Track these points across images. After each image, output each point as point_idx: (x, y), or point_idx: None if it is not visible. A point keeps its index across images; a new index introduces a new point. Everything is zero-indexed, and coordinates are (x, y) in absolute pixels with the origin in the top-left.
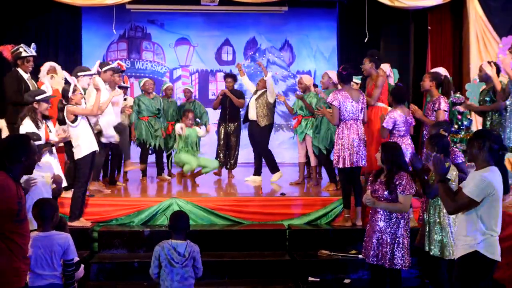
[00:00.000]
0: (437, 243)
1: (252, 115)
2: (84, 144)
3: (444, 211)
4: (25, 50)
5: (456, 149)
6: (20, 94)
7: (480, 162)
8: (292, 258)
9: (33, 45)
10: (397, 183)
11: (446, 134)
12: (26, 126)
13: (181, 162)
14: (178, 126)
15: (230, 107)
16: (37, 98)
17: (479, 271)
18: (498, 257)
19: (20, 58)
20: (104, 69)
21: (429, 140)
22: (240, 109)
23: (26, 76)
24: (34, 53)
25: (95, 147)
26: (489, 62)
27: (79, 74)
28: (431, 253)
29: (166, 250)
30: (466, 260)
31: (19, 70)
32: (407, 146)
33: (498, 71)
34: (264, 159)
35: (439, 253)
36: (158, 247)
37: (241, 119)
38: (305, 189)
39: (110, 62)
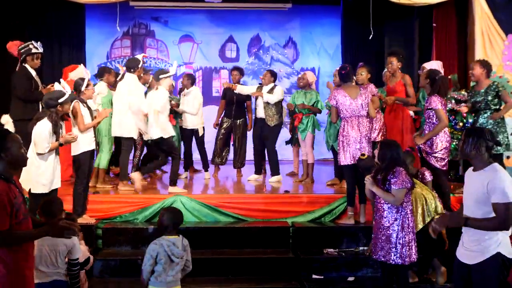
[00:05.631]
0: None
1: (261, 114)
2: (84, 140)
3: None
4: (35, 47)
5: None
6: (30, 92)
7: (481, 161)
8: (296, 256)
9: (39, 42)
10: (392, 178)
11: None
12: (44, 125)
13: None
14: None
15: (237, 102)
16: (60, 101)
17: (502, 273)
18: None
19: (30, 54)
20: (161, 76)
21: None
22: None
23: (34, 73)
24: (41, 50)
25: (93, 146)
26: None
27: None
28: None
29: (165, 246)
30: (489, 264)
31: (27, 66)
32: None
33: (489, 72)
34: (270, 159)
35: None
36: (154, 245)
37: (246, 116)
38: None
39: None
